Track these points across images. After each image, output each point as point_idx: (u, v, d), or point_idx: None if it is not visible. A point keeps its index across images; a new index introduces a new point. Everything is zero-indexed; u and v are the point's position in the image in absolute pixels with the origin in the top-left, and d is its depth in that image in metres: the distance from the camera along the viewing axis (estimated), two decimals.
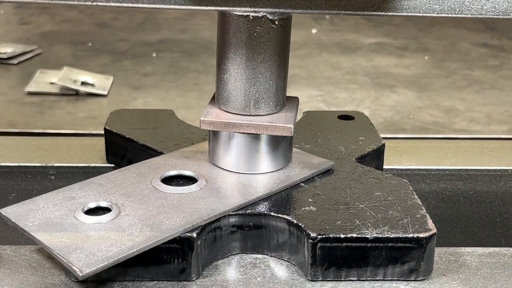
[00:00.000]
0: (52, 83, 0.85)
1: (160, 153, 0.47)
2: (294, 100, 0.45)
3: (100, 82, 0.87)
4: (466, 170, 0.56)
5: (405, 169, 0.56)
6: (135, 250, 0.35)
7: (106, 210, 0.39)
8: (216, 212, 0.39)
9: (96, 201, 0.39)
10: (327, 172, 0.45)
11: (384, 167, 0.50)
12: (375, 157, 0.50)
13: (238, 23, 0.40)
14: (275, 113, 0.43)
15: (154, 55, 1.03)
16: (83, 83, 0.85)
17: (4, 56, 0.96)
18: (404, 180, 0.44)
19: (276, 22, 0.40)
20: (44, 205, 0.39)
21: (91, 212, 0.38)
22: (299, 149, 0.47)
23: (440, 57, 1.08)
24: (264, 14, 0.39)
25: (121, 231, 0.36)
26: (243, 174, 0.43)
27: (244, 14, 0.39)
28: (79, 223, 0.37)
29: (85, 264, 0.33)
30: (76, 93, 0.84)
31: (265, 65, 0.41)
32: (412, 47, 1.12)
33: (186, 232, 0.37)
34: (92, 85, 0.85)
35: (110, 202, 0.39)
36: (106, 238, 0.36)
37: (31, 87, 0.84)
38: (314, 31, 1.21)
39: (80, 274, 0.33)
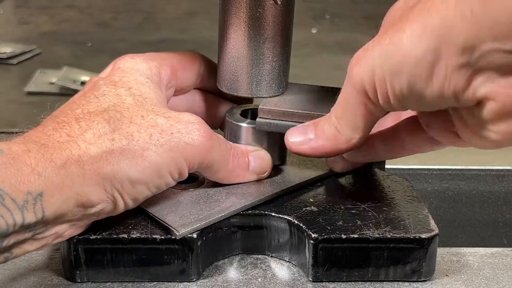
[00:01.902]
0: (51, 83, 0.85)
1: None
2: None
3: None
4: (468, 169, 0.55)
5: (407, 169, 0.56)
6: (223, 214, 0.38)
7: (193, 179, 0.41)
8: (293, 184, 0.41)
9: None
10: (329, 171, 0.44)
11: (386, 166, 0.50)
12: None
13: (239, 2, 0.39)
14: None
15: None
16: (83, 83, 0.85)
17: (4, 56, 0.96)
18: (406, 179, 0.43)
19: (279, 2, 0.40)
20: None
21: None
22: None
23: None
24: None
25: (208, 197, 0.40)
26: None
27: None
28: (170, 190, 0.40)
29: (180, 225, 0.37)
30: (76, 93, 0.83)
31: (267, 46, 0.41)
32: None
33: (188, 234, 0.37)
34: None
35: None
36: (195, 203, 0.39)
37: (31, 87, 0.84)
38: (314, 31, 1.20)
39: (177, 234, 0.36)
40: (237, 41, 0.40)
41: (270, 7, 0.39)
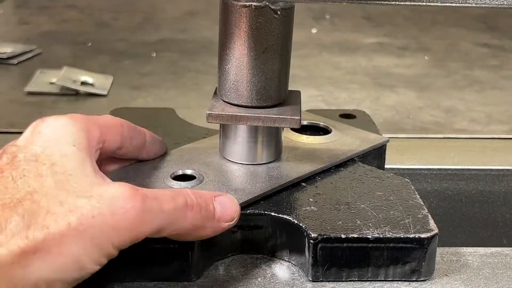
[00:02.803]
0: (52, 83, 0.85)
1: None
2: (297, 93, 0.45)
3: (100, 82, 0.87)
4: (468, 169, 0.56)
5: (407, 169, 0.56)
6: None
7: (190, 178, 0.42)
8: (290, 179, 0.42)
9: (182, 170, 0.43)
10: (328, 171, 0.44)
11: (385, 166, 0.50)
12: (376, 156, 0.49)
13: (240, 13, 0.39)
14: (280, 104, 0.43)
15: (154, 55, 1.03)
16: (83, 83, 0.85)
17: (4, 56, 0.96)
18: (406, 179, 0.43)
19: (278, 12, 0.40)
20: (133, 174, 0.41)
21: (177, 178, 0.42)
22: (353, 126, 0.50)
23: (440, 57, 1.07)
24: (266, 4, 0.39)
25: None
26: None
27: (246, 4, 0.39)
28: (169, 188, 0.40)
29: None
30: (76, 93, 0.84)
31: (267, 56, 0.41)
32: (412, 47, 1.12)
33: None
34: (92, 85, 0.85)
35: (193, 170, 0.43)
36: None
37: (31, 87, 0.84)
38: (314, 31, 1.20)
39: None
40: (237, 51, 0.40)
41: (270, 17, 0.40)
